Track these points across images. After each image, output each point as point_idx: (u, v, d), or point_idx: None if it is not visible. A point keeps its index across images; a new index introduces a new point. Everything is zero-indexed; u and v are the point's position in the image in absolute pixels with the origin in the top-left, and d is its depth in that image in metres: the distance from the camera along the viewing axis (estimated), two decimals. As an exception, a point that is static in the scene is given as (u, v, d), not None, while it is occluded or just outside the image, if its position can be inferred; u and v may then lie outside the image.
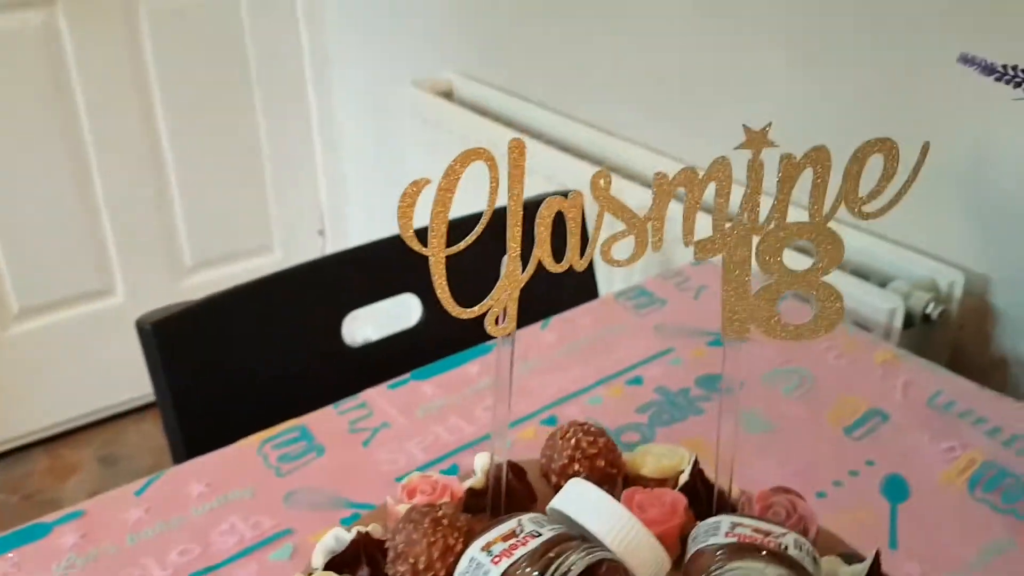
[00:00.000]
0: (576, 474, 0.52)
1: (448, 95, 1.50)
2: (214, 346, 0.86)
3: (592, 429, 0.54)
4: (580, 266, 0.47)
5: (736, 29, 1.07)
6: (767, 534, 0.42)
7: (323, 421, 0.74)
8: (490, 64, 1.47)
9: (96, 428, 1.94)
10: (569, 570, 0.39)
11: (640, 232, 0.47)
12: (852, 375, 0.80)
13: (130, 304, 1.85)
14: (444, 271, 0.45)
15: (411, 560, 0.44)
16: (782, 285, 0.47)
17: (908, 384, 0.79)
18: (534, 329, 0.87)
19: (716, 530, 0.43)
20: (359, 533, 0.49)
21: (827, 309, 0.47)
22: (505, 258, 0.47)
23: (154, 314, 0.80)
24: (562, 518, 0.44)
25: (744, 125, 0.46)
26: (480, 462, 0.53)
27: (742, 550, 0.41)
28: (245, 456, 0.70)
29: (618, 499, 0.50)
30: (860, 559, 0.48)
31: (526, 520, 0.42)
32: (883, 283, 0.94)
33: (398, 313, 0.98)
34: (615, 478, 0.54)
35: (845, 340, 0.85)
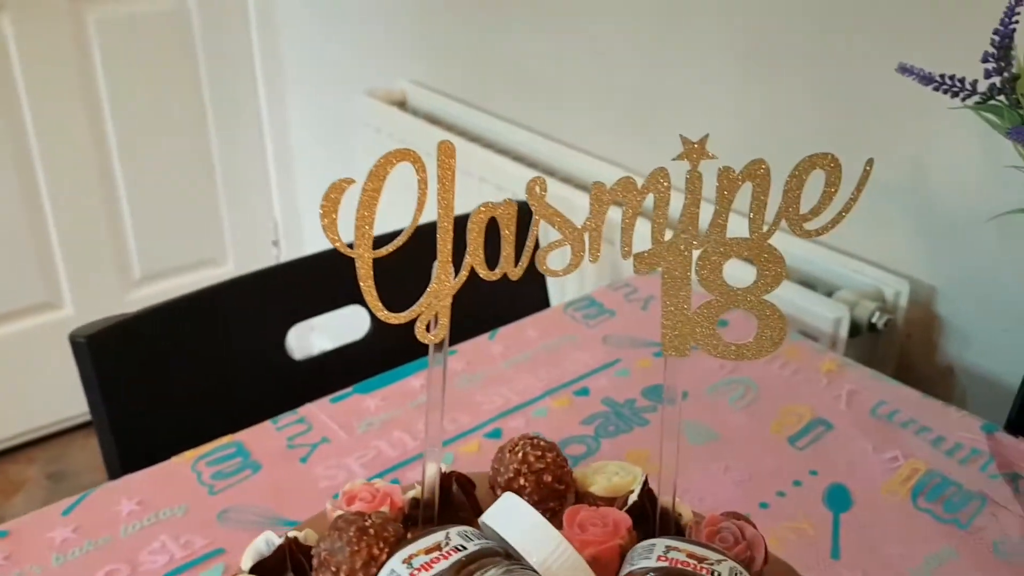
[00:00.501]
0: (521, 489, 0.51)
1: (402, 104, 1.49)
2: (152, 360, 0.83)
3: (541, 443, 0.54)
4: (515, 275, 0.46)
5: (687, 43, 1.07)
6: (701, 560, 0.41)
7: (260, 437, 0.72)
8: (444, 73, 1.46)
9: (43, 444, 1.89)
10: (485, 586, 0.38)
11: (576, 242, 0.46)
12: (797, 385, 0.80)
13: (78, 317, 1.81)
14: (371, 273, 0.44)
15: (333, 568, 0.43)
16: (723, 303, 0.46)
17: (852, 393, 0.79)
18: (482, 340, 0.86)
19: (650, 553, 0.42)
20: (288, 538, 0.48)
21: (769, 328, 0.46)
22: (436, 263, 0.46)
23: (88, 327, 0.78)
24: (493, 533, 0.43)
25: (681, 135, 0.45)
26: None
27: (671, 575, 0.40)
28: (178, 473, 0.68)
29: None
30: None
31: (454, 533, 0.41)
32: (829, 292, 0.94)
33: (351, 325, 0.96)
34: (563, 494, 0.53)
35: (791, 350, 0.85)
